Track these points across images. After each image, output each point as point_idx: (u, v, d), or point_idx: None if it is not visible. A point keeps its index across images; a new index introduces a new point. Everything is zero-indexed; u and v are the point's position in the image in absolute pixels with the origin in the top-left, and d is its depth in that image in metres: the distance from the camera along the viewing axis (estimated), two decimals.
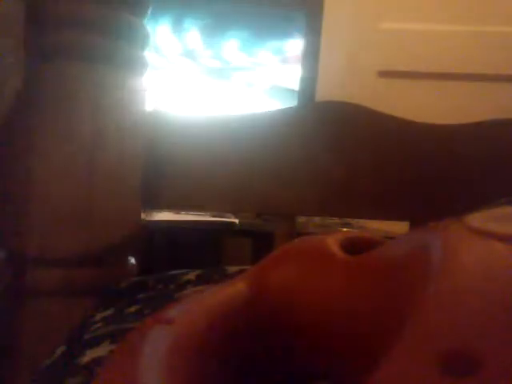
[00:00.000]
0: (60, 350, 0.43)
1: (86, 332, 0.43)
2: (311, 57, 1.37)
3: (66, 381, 0.38)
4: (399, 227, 0.64)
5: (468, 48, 1.47)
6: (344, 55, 1.51)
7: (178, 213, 1.05)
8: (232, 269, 0.49)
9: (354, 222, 1.21)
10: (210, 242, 1.11)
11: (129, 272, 0.57)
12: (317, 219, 1.20)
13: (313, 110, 0.63)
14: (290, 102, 1.36)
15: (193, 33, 1.37)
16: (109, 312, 0.46)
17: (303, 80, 1.38)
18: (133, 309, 0.45)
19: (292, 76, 1.37)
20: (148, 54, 0.56)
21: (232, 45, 1.39)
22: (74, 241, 0.51)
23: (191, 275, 0.50)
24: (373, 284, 0.22)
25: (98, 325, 0.44)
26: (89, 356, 0.39)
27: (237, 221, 1.09)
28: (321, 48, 1.37)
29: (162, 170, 0.59)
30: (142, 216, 0.57)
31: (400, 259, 0.21)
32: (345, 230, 1.18)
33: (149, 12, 0.55)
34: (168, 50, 1.37)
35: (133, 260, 0.58)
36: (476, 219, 0.20)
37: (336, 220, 1.21)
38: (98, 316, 0.46)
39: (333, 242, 0.25)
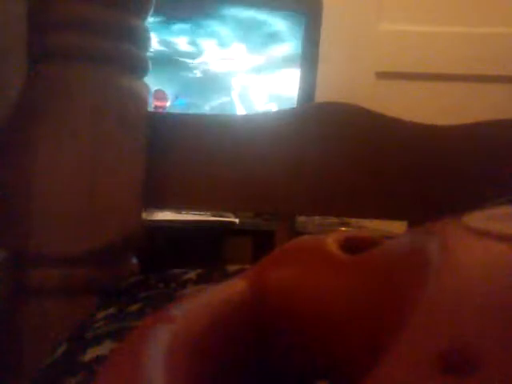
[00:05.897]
0: (61, 348, 0.43)
1: (88, 330, 0.43)
2: (310, 58, 1.37)
3: (67, 379, 0.38)
4: (397, 227, 0.64)
5: (467, 49, 1.47)
6: (343, 56, 1.51)
7: (178, 212, 1.05)
8: (232, 268, 0.49)
9: (353, 221, 1.21)
10: (210, 241, 1.10)
11: (130, 271, 0.57)
12: (317, 219, 1.20)
13: (312, 110, 0.63)
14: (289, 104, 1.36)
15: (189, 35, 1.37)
16: (110, 311, 0.46)
17: (303, 81, 1.38)
18: (134, 307, 0.45)
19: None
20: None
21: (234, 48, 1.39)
22: (75, 240, 0.51)
23: (192, 274, 0.50)
24: (372, 283, 0.22)
25: (100, 323, 0.44)
26: (90, 354, 0.39)
27: (237, 220, 1.09)
28: (320, 49, 1.37)
29: (162, 170, 0.59)
30: (143, 216, 0.57)
31: (399, 259, 0.21)
32: (344, 229, 1.18)
33: (150, 13, 0.55)
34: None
35: (134, 259, 0.58)
36: (474, 219, 0.20)
37: (335, 219, 1.21)
38: (100, 314, 0.46)
39: (332, 242, 0.25)
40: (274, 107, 1.40)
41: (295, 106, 1.35)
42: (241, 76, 1.40)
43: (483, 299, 0.16)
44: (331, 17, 1.40)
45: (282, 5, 1.37)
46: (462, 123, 0.59)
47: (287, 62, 1.40)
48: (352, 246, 0.25)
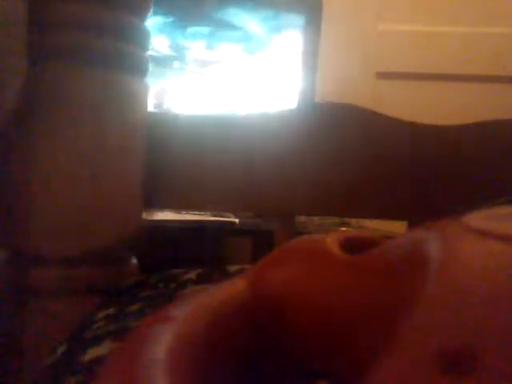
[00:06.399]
0: (61, 348, 0.43)
1: (87, 330, 0.43)
2: (311, 58, 1.37)
3: (67, 379, 0.38)
4: (397, 227, 0.64)
5: (467, 49, 1.47)
6: (343, 56, 1.51)
7: (178, 212, 1.06)
8: (232, 268, 0.49)
9: (353, 221, 1.21)
10: (210, 241, 1.11)
11: (130, 271, 0.57)
12: (316, 219, 1.20)
13: (312, 111, 0.63)
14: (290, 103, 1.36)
15: (193, 37, 1.37)
16: (110, 311, 0.46)
17: (303, 81, 1.38)
18: (134, 307, 0.45)
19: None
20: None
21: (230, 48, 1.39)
22: (76, 240, 0.51)
23: (192, 274, 0.50)
24: (372, 283, 0.22)
25: (100, 323, 0.44)
26: (90, 354, 0.39)
27: (237, 220, 1.09)
28: (320, 49, 1.37)
29: (162, 170, 0.59)
30: (143, 216, 0.57)
31: (399, 259, 0.21)
32: (344, 229, 1.18)
33: (150, 13, 0.55)
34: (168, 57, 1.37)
35: (134, 259, 0.58)
36: (475, 219, 0.20)
37: (335, 220, 1.21)
38: (100, 314, 0.46)
39: (332, 242, 0.25)
40: (274, 107, 1.40)
41: (295, 106, 1.35)
42: (241, 76, 1.41)
43: (483, 299, 0.16)
44: (331, 17, 1.40)
45: (282, 5, 1.37)
46: (462, 123, 0.59)
47: (287, 61, 1.40)
48: (352, 245, 0.25)
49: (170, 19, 1.34)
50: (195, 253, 1.01)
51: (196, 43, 1.37)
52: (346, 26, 1.51)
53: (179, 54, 1.35)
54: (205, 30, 1.37)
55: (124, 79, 0.53)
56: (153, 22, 1.31)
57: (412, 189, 0.59)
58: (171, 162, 0.60)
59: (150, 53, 0.55)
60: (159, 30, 1.32)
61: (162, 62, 1.33)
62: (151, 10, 0.55)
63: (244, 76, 1.41)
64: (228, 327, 0.23)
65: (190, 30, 1.36)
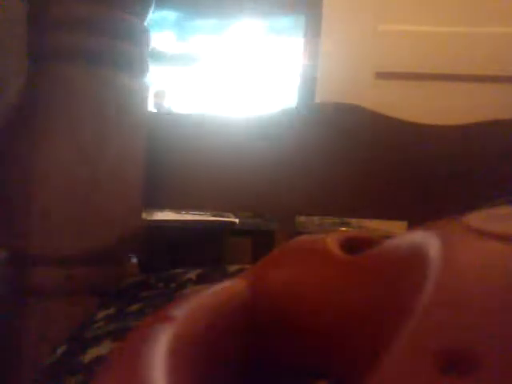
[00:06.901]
0: (61, 348, 0.43)
1: (88, 331, 0.43)
2: (311, 58, 1.37)
3: (67, 379, 0.38)
4: (397, 227, 0.64)
5: (467, 49, 1.47)
6: (343, 57, 1.51)
7: (178, 212, 1.06)
8: (232, 268, 0.49)
9: (353, 221, 1.21)
10: (210, 241, 1.11)
11: (130, 271, 0.57)
12: (316, 219, 1.20)
13: (312, 110, 0.63)
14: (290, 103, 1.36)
15: (197, 36, 1.37)
16: (110, 311, 0.46)
17: (303, 81, 1.38)
18: (134, 307, 0.45)
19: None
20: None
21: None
22: (76, 240, 0.51)
23: (192, 274, 0.50)
24: (372, 283, 0.22)
25: (100, 323, 0.44)
26: (90, 355, 0.39)
27: (237, 220, 1.09)
28: (320, 49, 1.38)
29: (162, 170, 0.59)
30: (143, 216, 0.57)
31: (399, 259, 0.21)
32: (344, 229, 1.18)
33: (150, 13, 0.55)
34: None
35: (134, 259, 0.58)
36: (475, 219, 0.20)
37: (335, 219, 1.21)
38: (100, 315, 0.46)
39: (332, 241, 0.25)
40: (274, 107, 1.39)
41: (295, 105, 1.35)
42: (242, 76, 1.41)
43: (482, 299, 0.16)
44: (331, 17, 1.40)
45: (282, 5, 1.37)
46: (462, 123, 0.59)
47: (287, 62, 1.40)
48: (352, 245, 0.25)
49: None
50: (195, 253, 1.01)
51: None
52: (345, 26, 1.51)
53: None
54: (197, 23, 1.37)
55: (124, 78, 0.53)
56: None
57: (412, 189, 0.59)
58: (171, 162, 0.60)
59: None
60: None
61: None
62: (152, 10, 0.56)
63: (244, 76, 1.41)
64: (228, 327, 0.23)
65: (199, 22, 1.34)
